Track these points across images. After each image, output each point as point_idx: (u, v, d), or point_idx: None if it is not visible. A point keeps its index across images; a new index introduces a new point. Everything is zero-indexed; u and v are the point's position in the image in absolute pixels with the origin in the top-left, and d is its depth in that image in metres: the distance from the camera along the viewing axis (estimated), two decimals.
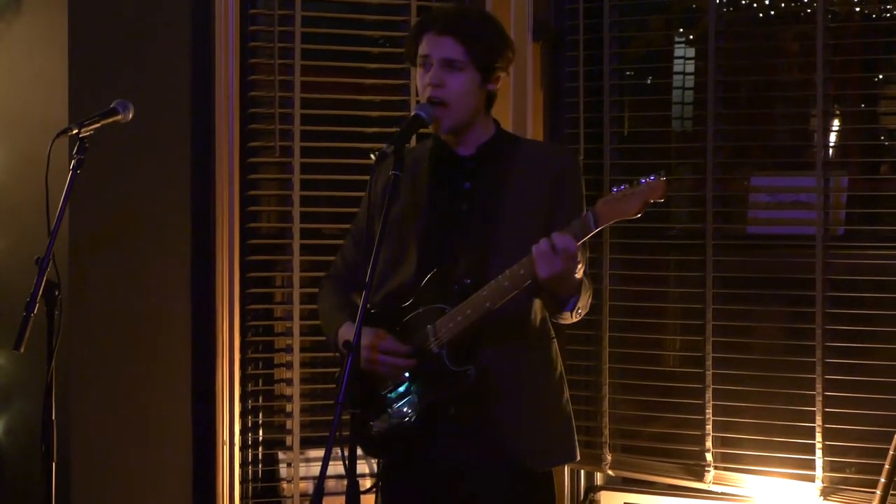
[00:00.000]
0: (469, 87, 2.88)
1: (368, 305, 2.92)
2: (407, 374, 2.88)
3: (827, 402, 3.92)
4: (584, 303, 2.82)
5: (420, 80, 2.92)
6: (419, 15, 4.23)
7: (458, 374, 2.81)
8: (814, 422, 3.92)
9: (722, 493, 4.12)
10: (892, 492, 3.42)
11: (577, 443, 3.02)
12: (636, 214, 2.58)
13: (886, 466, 3.41)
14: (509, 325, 2.87)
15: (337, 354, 3.08)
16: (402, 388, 2.89)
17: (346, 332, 2.95)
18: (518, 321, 2.90)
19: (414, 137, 3.73)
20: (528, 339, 2.92)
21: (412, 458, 2.96)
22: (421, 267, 2.91)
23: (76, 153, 2.94)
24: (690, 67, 4.38)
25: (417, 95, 3.06)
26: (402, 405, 2.89)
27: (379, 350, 2.83)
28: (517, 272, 2.72)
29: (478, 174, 2.96)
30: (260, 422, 4.29)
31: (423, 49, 2.90)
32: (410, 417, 2.88)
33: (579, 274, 2.71)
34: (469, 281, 2.80)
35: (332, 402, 2.98)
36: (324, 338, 3.13)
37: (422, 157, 3.03)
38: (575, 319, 2.87)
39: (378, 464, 3.09)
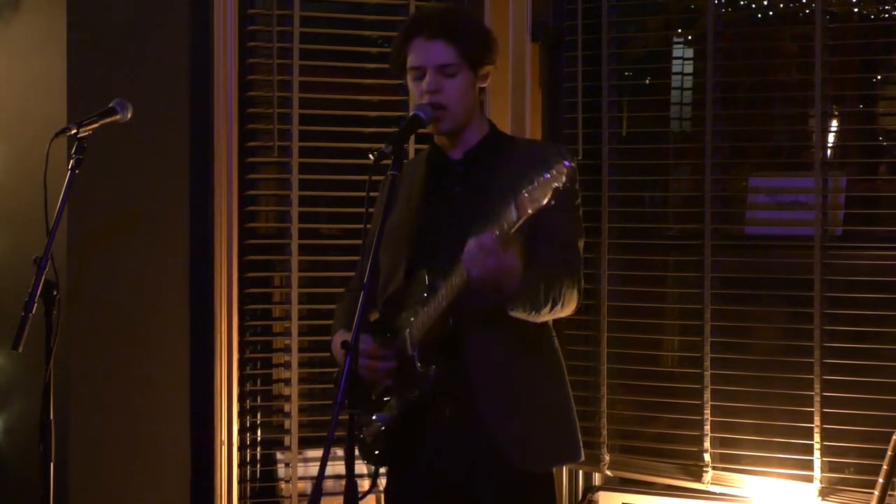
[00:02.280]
0: (465, 87, 2.88)
1: (375, 313, 2.94)
2: (390, 380, 2.88)
3: (825, 402, 3.92)
4: (534, 301, 2.72)
5: (415, 90, 2.91)
6: None
7: (421, 374, 2.80)
8: (812, 422, 3.92)
9: (720, 494, 4.12)
10: (890, 492, 3.43)
11: (580, 442, 3.00)
12: (551, 202, 2.52)
13: (884, 467, 3.41)
14: (502, 321, 2.84)
15: (329, 354, 3.08)
16: (385, 393, 2.90)
17: (338, 340, 2.97)
18: (510, 318, 2.85)
19: (412, 138, 3.76)
20: (522, 336, 2.88)
21: (409, 462, 2.96)
22: (409, 272, 2.91)
23: (75, 153, 2.94)
24: (689, 68, 4.38)
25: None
26: (386, 410, 2.90)
27: (363, 355, 2.82)
28: (453, 279, 2.69)
29: (468, 177, 2.95)
30: (258, 422, 4.29)
31: (413, 60, 2.89)
32: (394, 421, 2.89)
33: (513, 269, 2.63)
34: (441, 284, 2.77)
35: (330, 402, 2.99)
36: (322, 338, 3.14)
37: (420, 162, 3.05)
38: (544, 318, 2.81)
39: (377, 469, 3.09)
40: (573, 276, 2.85)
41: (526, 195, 2.50)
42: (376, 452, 2.97)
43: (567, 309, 2.84)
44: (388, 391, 2.90)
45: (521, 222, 2.53)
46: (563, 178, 2.46)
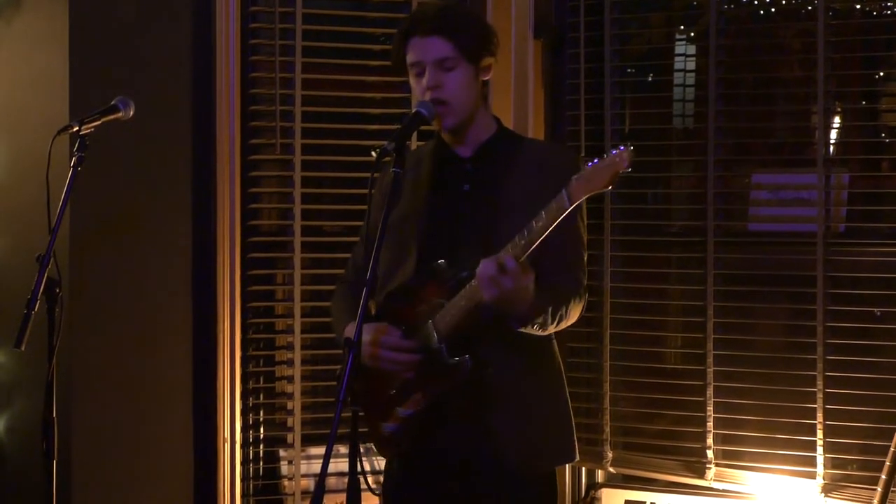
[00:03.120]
0: (466, 81, 2.89)
1: (371, 305, 2.94)
2: (412, 372, 2.87)
3: (828, 398, 3.92)
4: (543, 320, 2.78)
5: (416, 87, 2.92)
6: None
7: (455, 365, 2.80)
8: (815, 419, 3.92)
9: (723, 490, 4.12)
10: (893, 489, 3.42)
11: (576, 443, 3.00)
12: (607, 187, 2.55)
13: (887, 463, 3.41)
14: (502, 323, 2.85)
15: (337, 351, 3.08)
16: (408, 386, 2.89)
17: (350, 332, 2.96)
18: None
19: (415, 135, 3.77)
20: (523, 338, 2.87)
21: (423, 455, 2.95)
22: (420, 267, 2.91)
23: (77, 150, 2.94)
24: (691, 65, 4.38)
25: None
26: (410, 403, 2.89)
27: (380, 345, 2.83)
28: (466, 292, 2.74)
29: (477, 175, 2.95)
30: (261, 419, 4.29)
31: (412, 57, 2.90)
32: (418, 414, 2.88)
33: (529, 289, 2.68)
34: (465, 273, 2.77)
35: (333, 399, 2.98)
36: (325, 335, 3.13)
37: (424, 157, 3.04)
38: (548, 332, 2.86)
39: (386, 463, 3.09)
40: (580, 290, 2.91)
41: (578, 182, 2.52)
42: (395, 446, 2.97)
43: (571, 321, 2.90)
44: (407, 384, 2.89)
45: (572, 207, 2.55)
46: (625, 163, 2.48)
